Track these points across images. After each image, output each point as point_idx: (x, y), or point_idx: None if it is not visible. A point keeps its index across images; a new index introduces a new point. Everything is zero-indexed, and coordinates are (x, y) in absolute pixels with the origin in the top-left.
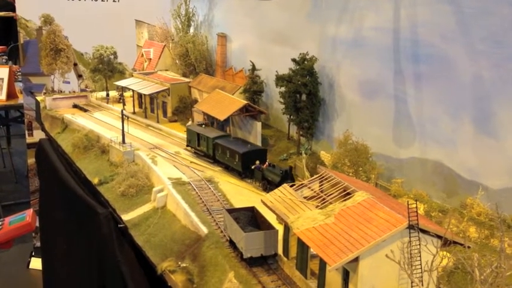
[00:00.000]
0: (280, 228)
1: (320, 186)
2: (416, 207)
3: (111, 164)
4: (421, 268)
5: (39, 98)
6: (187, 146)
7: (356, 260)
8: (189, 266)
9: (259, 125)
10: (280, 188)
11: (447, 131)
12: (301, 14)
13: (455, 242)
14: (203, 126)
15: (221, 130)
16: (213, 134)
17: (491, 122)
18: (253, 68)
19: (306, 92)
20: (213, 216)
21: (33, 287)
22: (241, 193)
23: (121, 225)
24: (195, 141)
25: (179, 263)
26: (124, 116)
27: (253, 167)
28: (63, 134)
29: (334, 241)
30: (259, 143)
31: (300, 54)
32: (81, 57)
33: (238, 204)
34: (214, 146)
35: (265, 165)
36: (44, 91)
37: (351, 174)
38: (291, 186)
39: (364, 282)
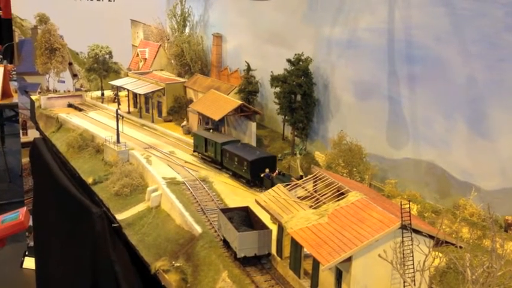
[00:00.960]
0: (274, 228)
1: (314, 186)
2: (409, 207)
3: (106, 164)
4: (413, 268)
5: (34, 97)
6: (194, 151)
7: (349, 259)
8: (182, 266)
9: (253, 125)
10: (274, 188)
11: (440, 132)
12: (296, 15)
13: (447, 242)
14: (211, 131)
15: (216, 130)
16: (221, 139)
17: (484, 123)
18: (248, 69)
19: (300, 92)
20: (207, 216)
21: (27, 287)
22: (236, 193)
23: (115, 225)
24: (202, 147)
25: (173, 262)
26: (119, 116)
27: (262, 175)
28: (58, 133)
29: (328, 241)
30: (254, 143)
31: (295, 54)
32: (76, 57)
33: (232, 204)
34: (222, 152)
35: (275, 174)
36: (39, 90)
37: (345, 174)
38: (285, 186)
39: (357, 282)
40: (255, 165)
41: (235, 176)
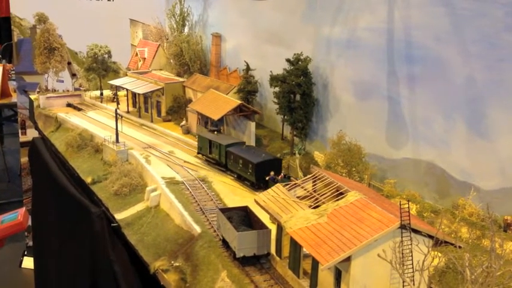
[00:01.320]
0: (273, 228)
1: (313, 186)
2: (408, 207)
3: (105, 163)
4: (412, 268)
5: (32, 97)
6: (198, 153)
7: (348, 259)
8: (181, 265)
9: (253, 125)
10: (273, 187)
11: (440, 132)
12: (295, 15)
13: (446, 242)
14: (215, 132)
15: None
16: (225, 141)
17: (483, 123)
18: (248, 68)
19: (300, 92)
20: (206, 216)
21: (26, 286)
22: (235, 192)
23: (114, 225)
24: (206, 149)
25: (172, 262)
26: (118, 115)
27: (267, 178)
28: (57, 133)
29: (327, 240)
30: (253, 143)
31: (294, 54)
32: (75, 56)
33: (231, 203)
34: (227, 154)
35: (280, 176)
36: (38, 90)
37: (344, 174)
38: (285, 186)
39: (356, 282)
40: (260, 167)
41: (240, 178)
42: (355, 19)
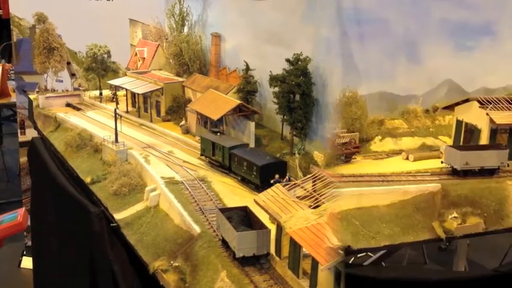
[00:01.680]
0: (272, 228)
1: (313, 186)
2: None
3: (104, 163)
4: None
5: (32, 97)
6: (201, 155)
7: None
8: (181, 265)
9: (252, 124)
10: (273, 187)
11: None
12: (295, 15)
13: None
14: (218, 134)
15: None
16: (229, 143)
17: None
18: (247, 68)
19: (299, 92)
20: (205, 216)
21: (24, 286)
22: (235, 192)
23: (113, 224)
24: (209, 151)
25: (171, 262)
26: (117, 115)
27: (272, 181)
28: (56, 133)
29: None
30: (252, 143)
31: (294, 54)
32: (75, 56)
33: (231, 204)
34: (230, 156)
35: (284, 179)
36: (37, 90)
37: None
38: (284, 185)
39: None
40: (264, 170)
41: (244, 181)
42: None
